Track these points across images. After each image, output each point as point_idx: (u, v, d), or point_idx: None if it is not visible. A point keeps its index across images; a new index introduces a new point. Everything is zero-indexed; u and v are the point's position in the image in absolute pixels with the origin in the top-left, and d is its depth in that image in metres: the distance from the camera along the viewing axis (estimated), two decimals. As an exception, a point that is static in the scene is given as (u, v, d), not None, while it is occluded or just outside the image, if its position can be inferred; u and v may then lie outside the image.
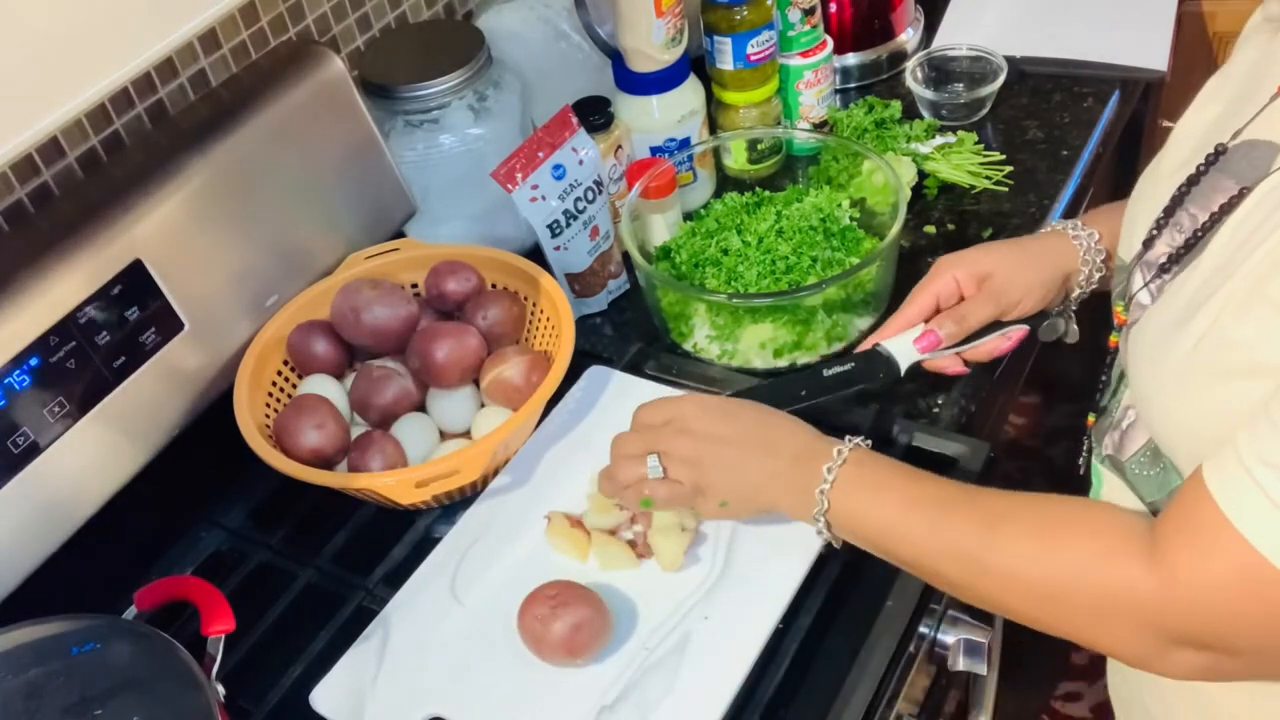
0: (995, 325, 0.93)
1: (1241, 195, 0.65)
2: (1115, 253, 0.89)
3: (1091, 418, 0.85)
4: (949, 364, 0.95)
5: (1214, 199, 0.67)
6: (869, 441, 0.82)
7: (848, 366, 0.93)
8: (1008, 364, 1.08)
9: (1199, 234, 0.68)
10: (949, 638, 0.94)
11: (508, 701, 0.82)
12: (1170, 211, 0.72)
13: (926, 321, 0.94)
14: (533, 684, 0.82)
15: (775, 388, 0.95)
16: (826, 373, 0.93)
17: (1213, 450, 0.62)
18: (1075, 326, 0.96)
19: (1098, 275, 0.93)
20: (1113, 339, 0.80)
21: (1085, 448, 0.87)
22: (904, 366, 0.93)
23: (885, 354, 0.93)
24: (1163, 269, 0.71)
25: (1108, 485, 0.81)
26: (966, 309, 0.93)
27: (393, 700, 0.83)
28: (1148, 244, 0.74)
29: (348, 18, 1.22)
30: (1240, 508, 0.59)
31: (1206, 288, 0.64)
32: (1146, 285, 0.73)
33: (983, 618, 0.96)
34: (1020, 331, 0.94)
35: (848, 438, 0.82)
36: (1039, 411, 1.86)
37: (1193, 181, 0.70)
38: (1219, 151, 0.69)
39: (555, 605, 0.81)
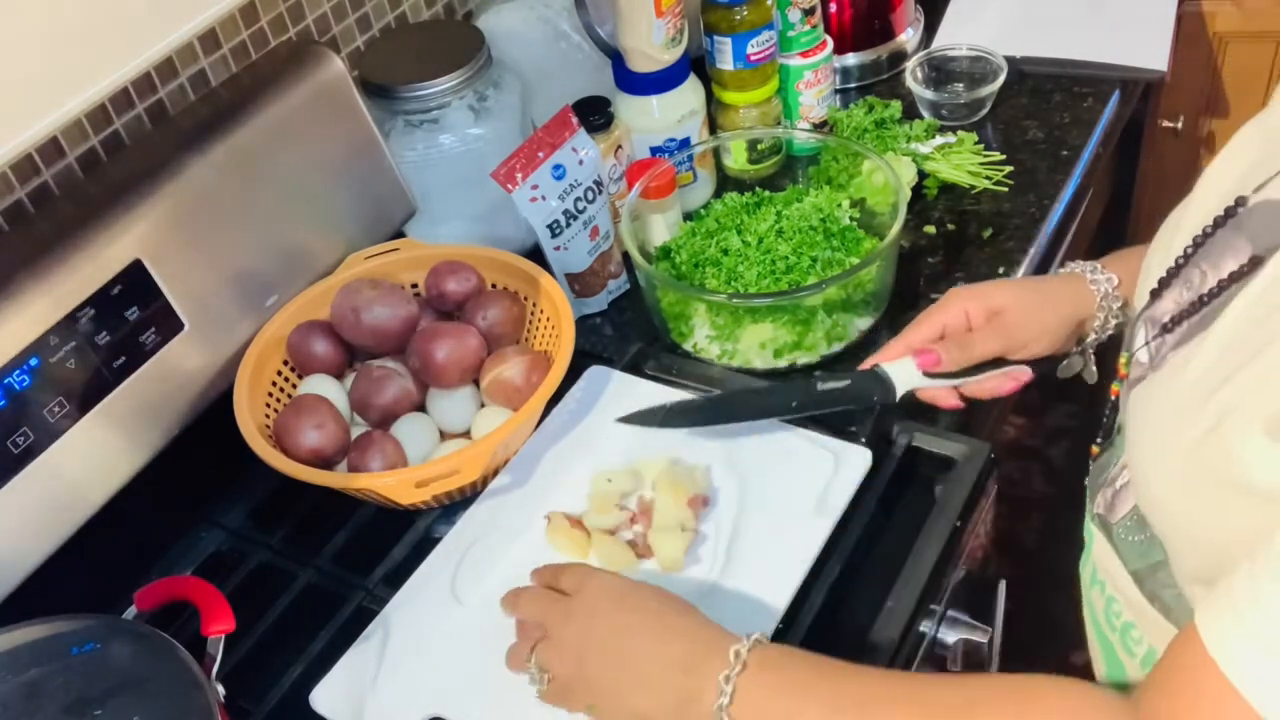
0: (999, 363, 0.90)
1: (1253, 264, 0.61)
2: (1133, 302, 0.87)
3: (1094, 448, 0.82)
4: (944, 396, 0.92)
5: (1225, 260, 0.64)
6: (764, 635, 0.71)
7: (843, 383, 0.91)
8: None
9: (1204, 299, 0.64)
10: (949, 638, 0.94)
11: (508, 702, 0.82)
12: (1181, 265, 0.69)
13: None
14: (531, 684, 0.82)
15: (767, 393, 0.94)
16: (821, 386, 0.91)
17: (1201, 550, 0.59)
18: (1094, 368, 0.94)
19: (1114, 322, 0.91)
20: (1114, 388, 0.78)
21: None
22: (900, 391, 0.90)
23: (882, 376, 0.90)
24: (1164, 328, 0.68)
25: (1097, 545, 0.78)
26: (973, 338, 0.90)
27: (393, 700, 0.83)
28: (1154, 295, 0.71)
29: (348, 18, 1.22)
30: (1237, 664, 0.53)
31: (1215, 374, 0.60)
32: (1147, 344, 0.70)
33: (983, 618, 0.96)
34: (1026, 374, 0.91)
35: (747, 635, 0.69)
36: (1039, 412, 1.86)
37: (1207, 235, 0.67)
38: (1237, 204, 0.65)
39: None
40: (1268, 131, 0.69)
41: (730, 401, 0.93)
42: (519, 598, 0.80)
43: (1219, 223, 0.66)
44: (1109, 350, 0.90)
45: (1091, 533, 0.79)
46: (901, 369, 0.90)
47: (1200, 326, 0.64)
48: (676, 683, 0.69)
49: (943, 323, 0.91)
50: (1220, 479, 0.58)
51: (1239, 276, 0.62)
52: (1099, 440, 0.82)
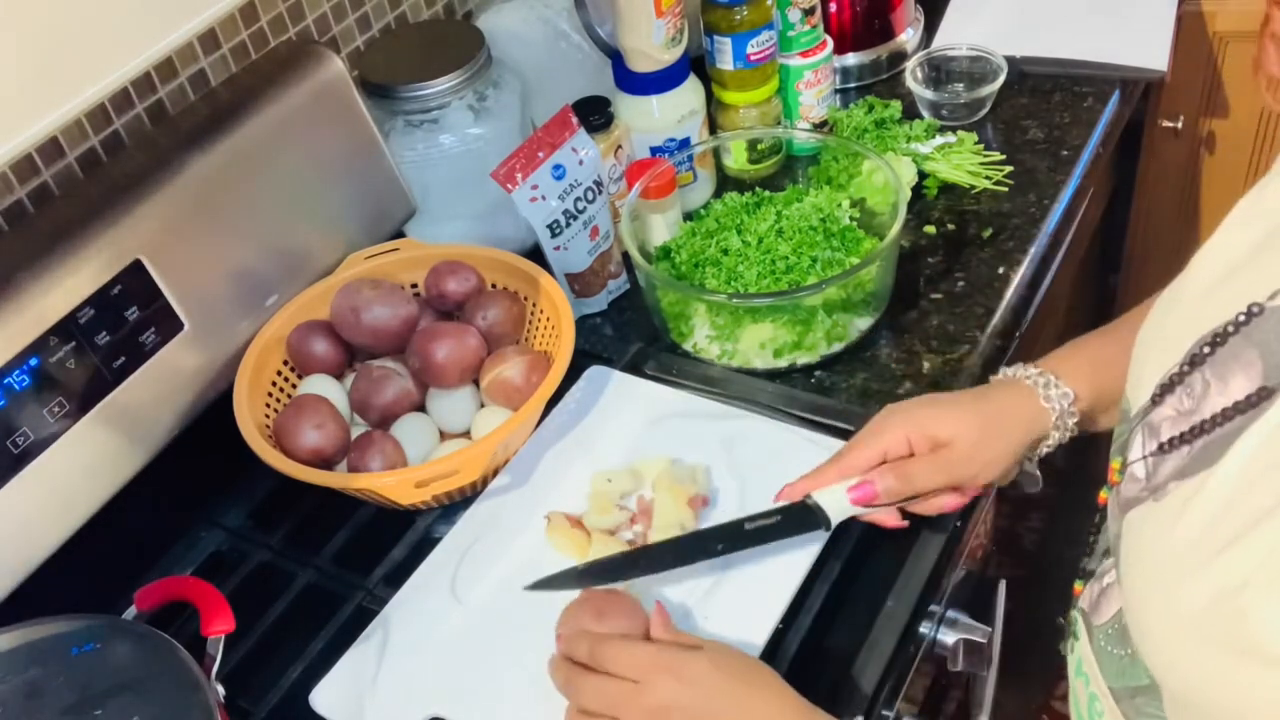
0: None
1: (1261, 396, 0.57)
2: (1090, 414, 0.84)
3: (1079, 585, 0.77)
4: (886, 517, 0.86)
5: (1232, 372, 0.60)
6: None
7: (772, 520, 0.84)
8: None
9: (1207, 425, 0.60)
10: (949, 638, 0.94)
11: (507, 702, 0.82)
12: (1186, 372, 0.64)
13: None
14: (531, 684, 0.82)
15: (688, 542, 0.86)
16: (749, 526, 0.84)
17: (1206, 708, 0.56)
18: (1038, 474, 0.90)
19: (1069, 437, 0.86)
20: (1102, 495, 0.72)
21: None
22: (835, 520, 0.84)
23: (814, 506, 0.84)
24: (1162, 447, 0.64)
25: (1081, 642, 0.75)
26: (915, 470, 0.83)
27: (392, 700, 0.83)
28: (1155, 400, 0.66)
29: (348, 18, 1.22)
30: None
31: (1222, 527, 0.56)
32: (1144, 458, 0.65)
33: (983, 618, 0.96)
34: (974, 489, 0.86)
35: None
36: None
37: (1217, 343, 0.62)
38: (1251, 313, 0.60)
39: (600, 617, 0.79)
40: (1269, 216, 0.65)
41: (649, 555, 0.85)
42: (575, 687, 0.75)
43: (1231, 330, 0.61)
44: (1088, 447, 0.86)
45: (1077, 623, 0.76)
46: (835, 497, 0.84)
47: (1204, 459, 0.60)
48: None
49: (883, 450, 0.84)
50: (1234, 646, 0.54)
51: (1246, 407, 0.58)
52: (1084, 561, 0.78)
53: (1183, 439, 0.62)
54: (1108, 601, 0.71)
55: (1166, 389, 0.65)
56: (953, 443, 0.83)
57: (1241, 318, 0.61)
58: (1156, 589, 0.60)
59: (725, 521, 0.86)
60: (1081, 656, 0.75)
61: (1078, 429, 0.86)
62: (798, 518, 0.85)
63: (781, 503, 0.86)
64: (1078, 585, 0.78)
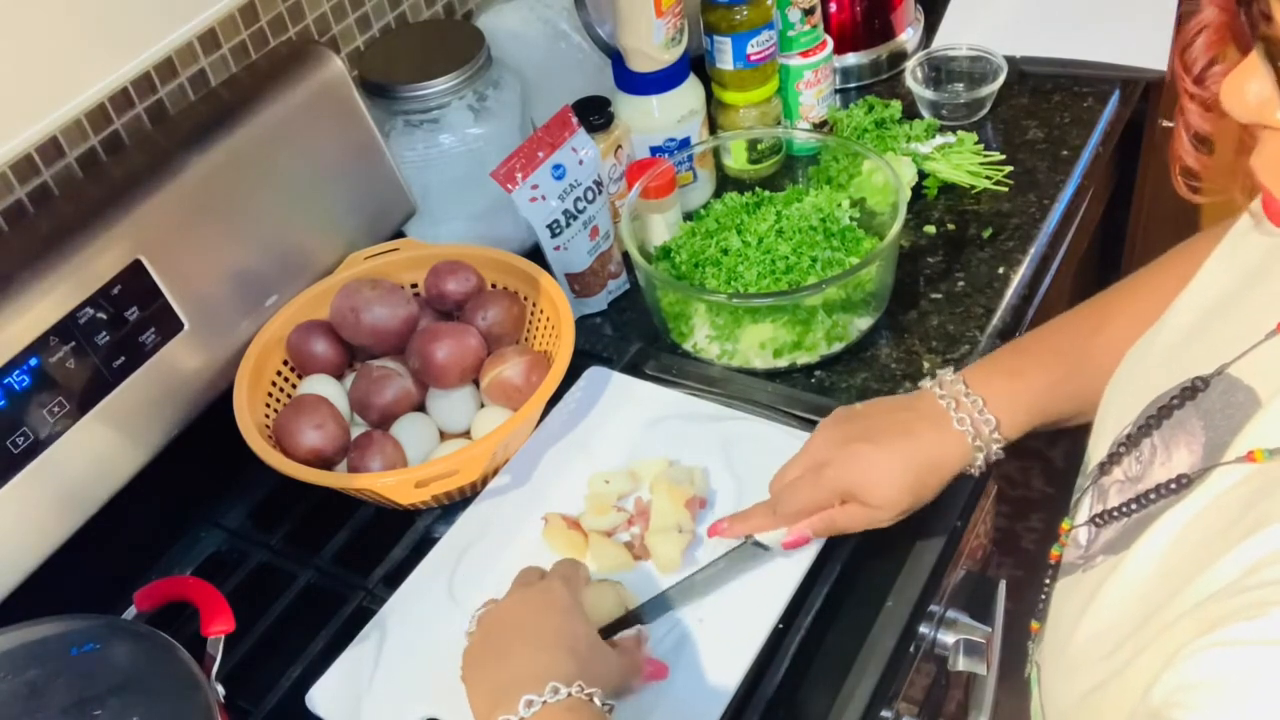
0: None
1: (1181, 484, 0.57)
2: (1010, 436, 0.83)
3: (1035, 624, 0.78)
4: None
5: (1178, 449, 0.60)
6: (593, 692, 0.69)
7: (719, 566, 0.86)
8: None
9: (1136, 504, 0.60)
10: (949, 638, 0.94)
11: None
12: (1136, 437, 0.64)
13: None
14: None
15: (644, 608, 0.85)
16: (699, 578, 0.86)
17: None
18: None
19: (993, 460, 0.85)
20: (1054, 553, 0.72)
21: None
22: (778, 553, 0.87)
23: (763, 546, 0.87)
24: (1102, 518, 0.63)
25: (1034, 693, 0.75)
26: (844, 523, 0.85)
27: (389, 701, 0.83)
28: (1107, 462, 0.66)
29: (348, 18, 1.22)
30: None
31: (1124, 620, 0.55)
32: (1088, 523, 0.65)
33: (983, 618, 0.96)
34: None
35: (569, 688, 0.68)
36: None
37: (1165, 414, 0.62)
38: (1196, 387, 0.61)
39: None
40: (1235, 271, 0.65)
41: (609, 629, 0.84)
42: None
43: (1177, 403, 0.61)
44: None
45: (1033, 677, 0.77)
46: (773, 537, 0.87)
47: (1125, 539, 0.60)
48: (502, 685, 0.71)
49: (816, 505, 0.85)
50: None
51: (1167, 492, 0.58)
52: (1036, 608, 0.77)
53: (1120, 511, 0.62)
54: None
55: (1118, 452, 0.65)
56: (883, 508, 0.83)
57: (1189, 390, 0.60)
58: (1059, 669, 0.61)
59: (677, 582, 0.86)
60: (1037, 707, 0.75)
61: (1002, 453, 0.85)
62: (743, 559, 0.87)
63: (727, 545, 0.88)
64: (1034, 624, 0.78)
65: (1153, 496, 0.59)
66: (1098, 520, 0.64)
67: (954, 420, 0.83)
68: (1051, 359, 0.85)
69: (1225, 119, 0.50)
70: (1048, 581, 0.74)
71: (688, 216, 1.21)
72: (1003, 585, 1.02)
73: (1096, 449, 0.69)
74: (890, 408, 0.87)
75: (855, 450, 0.83)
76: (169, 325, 0.96)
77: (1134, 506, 0.61)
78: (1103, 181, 1.50)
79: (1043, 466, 1.88)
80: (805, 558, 0.86)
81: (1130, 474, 0.64)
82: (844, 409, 0.89)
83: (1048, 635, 0.66)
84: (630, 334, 1.14)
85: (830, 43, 1.32)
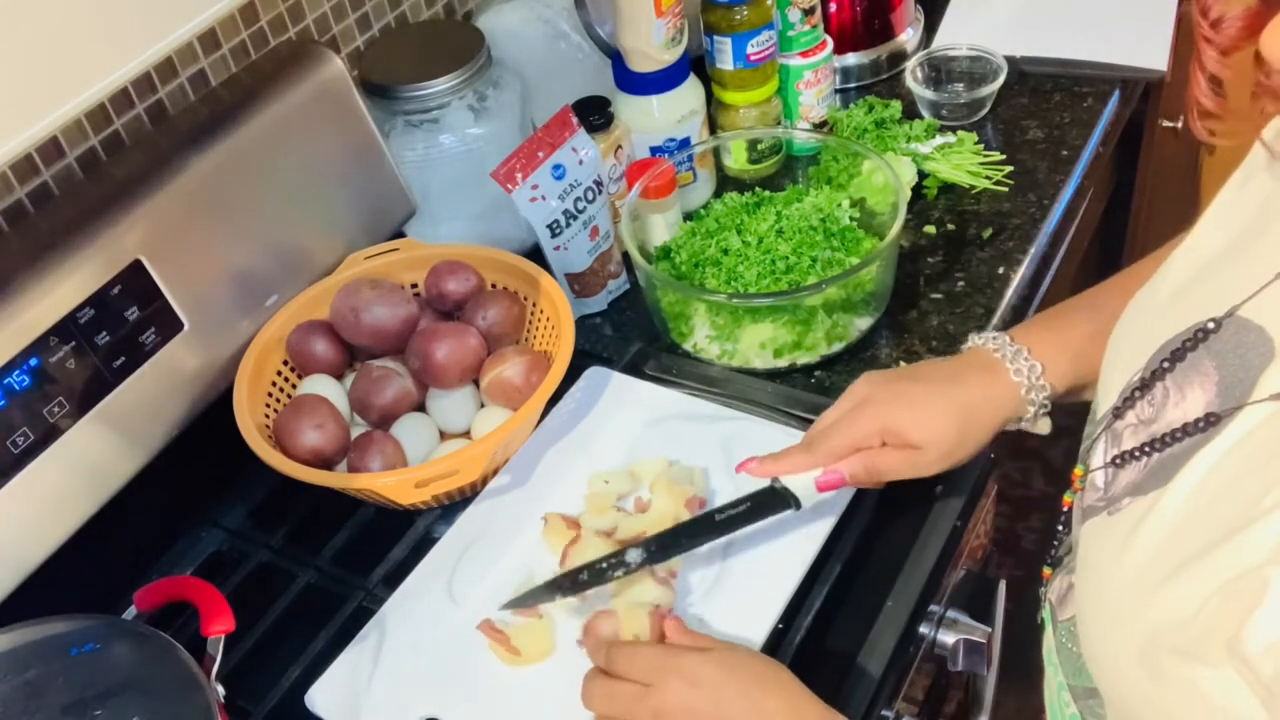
0: None
1: (1210, 421, 0.57)
2: (1057, 386, 0.83)
3: (1047, 570, 0.78)
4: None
5: (1192, 389, 0.60)
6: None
7: (742, 508, 0.83)
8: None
9: (1159, 443, 0.60)
10: (949, 638, 0.94)
11: (503, 703, 0.82)
12: (1149, 381, 0.64)
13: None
14: (527, 685, 0.82)
15: (658, 540, 0.84)
16: (719, 517, 0.84)
17: None
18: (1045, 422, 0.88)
19: (1041, 413, 0.85)
20: (1066, 498, 0.72)
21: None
22: (806, 504, 0.84)
23: (783, 490, 0.84)
24: (1121, 459, 0.63)
25: (1049, 632, 0.74)
26: (884, 465, 0.83)
27: (388, 701, 0.83)
28: (1120, 407, 0.66)
29: (348, 18, 1.22)
30: None
31: (1171, 554, 0.56)
32: (1104, 467, 0.65)
33: (983, 618, 0.96)
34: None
35: None
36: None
37: (1177, 357, 0.62)
38: (1208, 329, 0.61)
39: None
40: (1240, 220, 0.65)
41: (620, 558, 0.83)
42: (589, 693, 0.75)
43: (1189, 345, 0.61)
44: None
45: (1047, 611, 0.76)
46: (803, 482, 0.84)
47: (1157, 478, 0.60)
48: None
49: (855, 442, 0.83)
50: (1173, 681, 0.54)
51: (1195, 430, 0.58)
52: (1049, 554, 0.77)
53: (1140, 452, 0.62)
54: (1070, 600, 0.71)
55: (1131, 397, 0.65)
56: (926, 448, 0.82)
57: (1200, 333, 0.61)
58: (1104, 611, 0.60)
59: (696, 515, 0.85)
60: (1050, 646, 0.75)
61: (1048, 405, 0.85)
62: (767, 502, 0.84)
63: (752, 489, 0.85)
64: (1046, 570, 0.78)
65: (1177, 435, 0.59)
66: (1117, 461, 0.64)
67: (1010, 370, 0.82)
68: (1090, 314, 0.85)
69: (1241, 64, 0.51)
70: (1061, 528, 0.74)
71: (688, 216, 1.21)
72: (1003, 585, 1.02)
73: (1105, 397, 0.69)
74: (937, 362, 0.86)
75: (900, 388, 0.82)
76: (169, 325, 0.96)
77: (1156, 447, 0.61)
78: (1103, 181, 1.50)
79: (1043, 466, 1.88)
80: (805, 557, 0.86)
81: (1143, 417, 0.64)
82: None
83: (1082, 580, 0.65)
84: (630, 334, 1.14)
85: (830, 43, 1.32)
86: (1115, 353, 0.70)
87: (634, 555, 0.82)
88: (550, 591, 0.83)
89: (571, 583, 0.83)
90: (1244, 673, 0.49)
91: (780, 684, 0.72)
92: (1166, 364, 0.62)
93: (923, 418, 0.82)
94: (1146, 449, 0.61)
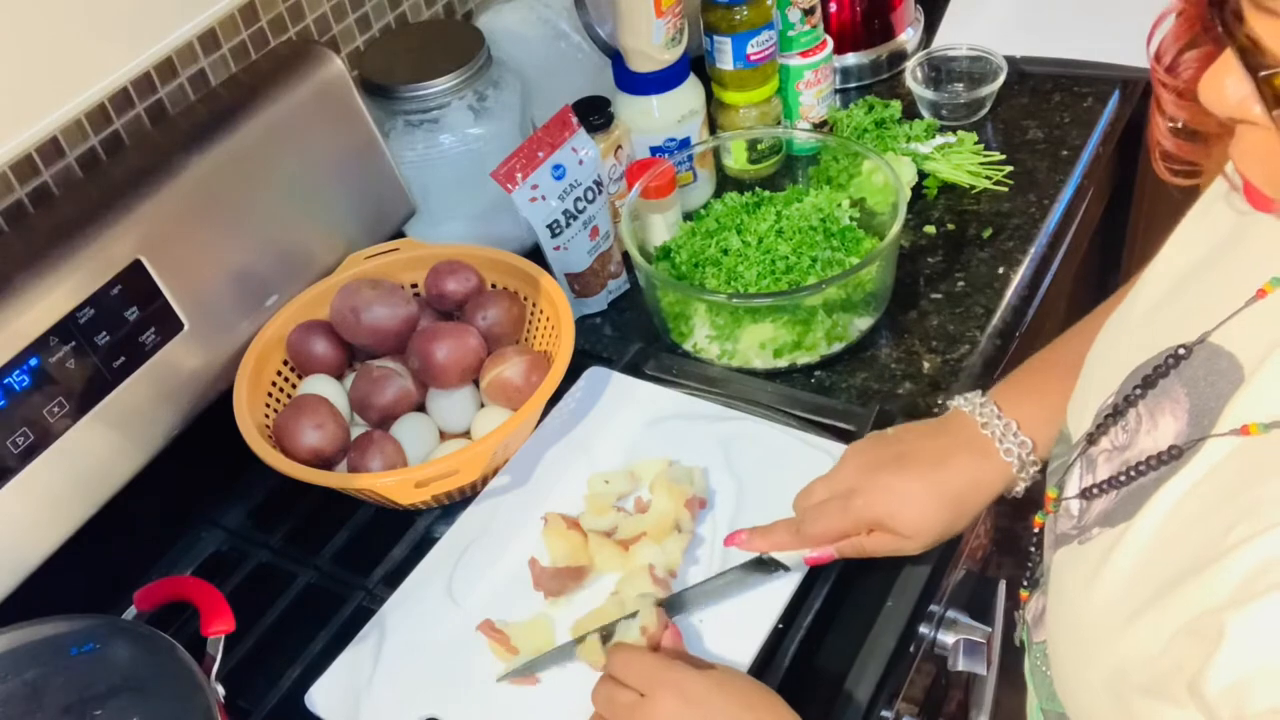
0: None
1: (1173, 454, 0.57)
2: (1045, 457, 0.81)
3: (1024, 593, 0.78)
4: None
5: (1164, 416, 0.60)
6: None
7: (731, 578, 0.85)
8: (1005, 365, 1.08)
9: (1130, 474, 0.60)
10: (949, 638, 0.94)
11: (503, 703, 0.82)
12: (1122, 407, 0.64)
13: None
14: (527, 685, 0.82)
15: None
16: (708, 586, 0.85)
17: None
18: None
19: (1031, 484, 0.84)
20: (1037, 519, 0.72)
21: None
22: (796, 570, 0.86)
23: (775, 562, 0.86)
24: (1093, 491, 0.63)
25: (1026, 653, 0.75)
26: (872, 548, 0.84)
27: (388, 701, 0.83)
28: (1095, 432, 0.66)
29: (348, 18, 1.22)
30: None
31: (1135, 590, 0.56)
32: (1079, 495, 0.65)
33: (983, 618, 0.96)
34: None
35: None
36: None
37: (1149, 383, 0.62)
38: (1180, 355, 0.60)
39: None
40: (1207, 241, 0.65)
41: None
42: (595, 692, 0.75)
43: (1161, 371, 0.61)
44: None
45: (1024, 632, 0.76)
46: (791, 557, 0.86)
47: (1123, 510, 0.60)
48: None
49: (843, 532, 0.84)
50: (1140, 719, 0.54)
51: (1160, 463, 0.58)
52: (1025, 576, 0.77)
53: (1111, 483, 0.62)
54: (1044, 623, 0.71)
55: (1104, 422, 0.65)
56: (914, 537, 0.82)
57: (1171, 359, 0.60)
58: (1074, 641, 0.60)
59: (688, 587, 0.86)
60: (1028, 667, 0.75)
61: (1038, 477, 0.83)
62: (757, 572, 0.86)
63: (738, 560, 0.86)
64: (1023, 592, 0.78)
65: (1143, 468, 0.59)
66: (1088, 493, 0.64)
67: (1000, 451, 0.82)
68: (1068, 370, 0.84)
69: (1200, 106, 0.50)
70: (1033, 549, 0.74)
71: (688, 216, 1.21)
72: (1003, 585, 1.02)
73: (1079, 420, 0.69)
74: (924, 433, 0.85)
75: (885, 481, 0.82)
76: (169, 325, 0.96)
77: (1125, 478, 0.61)
78: (1103, 181, 1.50)
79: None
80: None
81: (1117, 443, 0.64)
82: (876, 433, 0.87)
83: (1053, 608, 0.65)
84: (630, 334, 1.14)
85: (830, 43, 1.32)
86: (1089, 374, 0.70)
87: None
88: (554, 659, 0.83)
89: (558, 656, 0.84)
90: (1205, 714, 0.49)
91: (771, 709, 0.72)
92: (1139, 390, 0.62)
93: (911, 514, 0.81)
94: (1118, 480, 0.61)
